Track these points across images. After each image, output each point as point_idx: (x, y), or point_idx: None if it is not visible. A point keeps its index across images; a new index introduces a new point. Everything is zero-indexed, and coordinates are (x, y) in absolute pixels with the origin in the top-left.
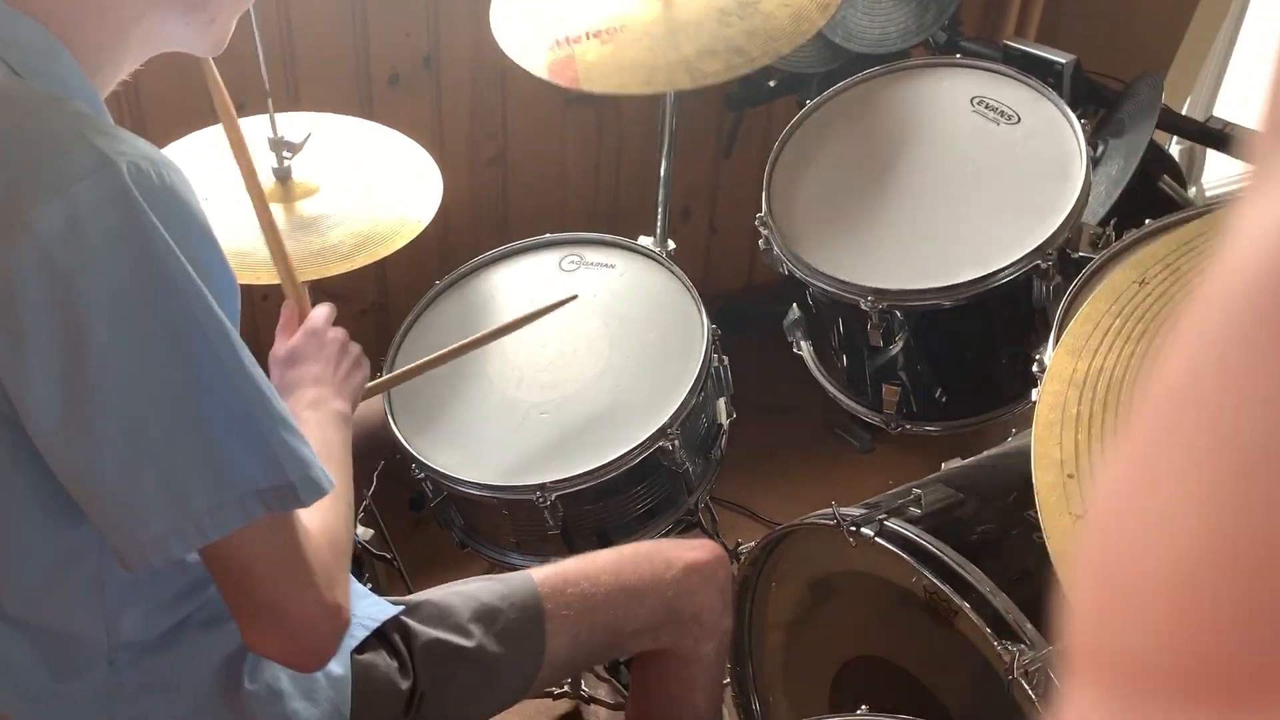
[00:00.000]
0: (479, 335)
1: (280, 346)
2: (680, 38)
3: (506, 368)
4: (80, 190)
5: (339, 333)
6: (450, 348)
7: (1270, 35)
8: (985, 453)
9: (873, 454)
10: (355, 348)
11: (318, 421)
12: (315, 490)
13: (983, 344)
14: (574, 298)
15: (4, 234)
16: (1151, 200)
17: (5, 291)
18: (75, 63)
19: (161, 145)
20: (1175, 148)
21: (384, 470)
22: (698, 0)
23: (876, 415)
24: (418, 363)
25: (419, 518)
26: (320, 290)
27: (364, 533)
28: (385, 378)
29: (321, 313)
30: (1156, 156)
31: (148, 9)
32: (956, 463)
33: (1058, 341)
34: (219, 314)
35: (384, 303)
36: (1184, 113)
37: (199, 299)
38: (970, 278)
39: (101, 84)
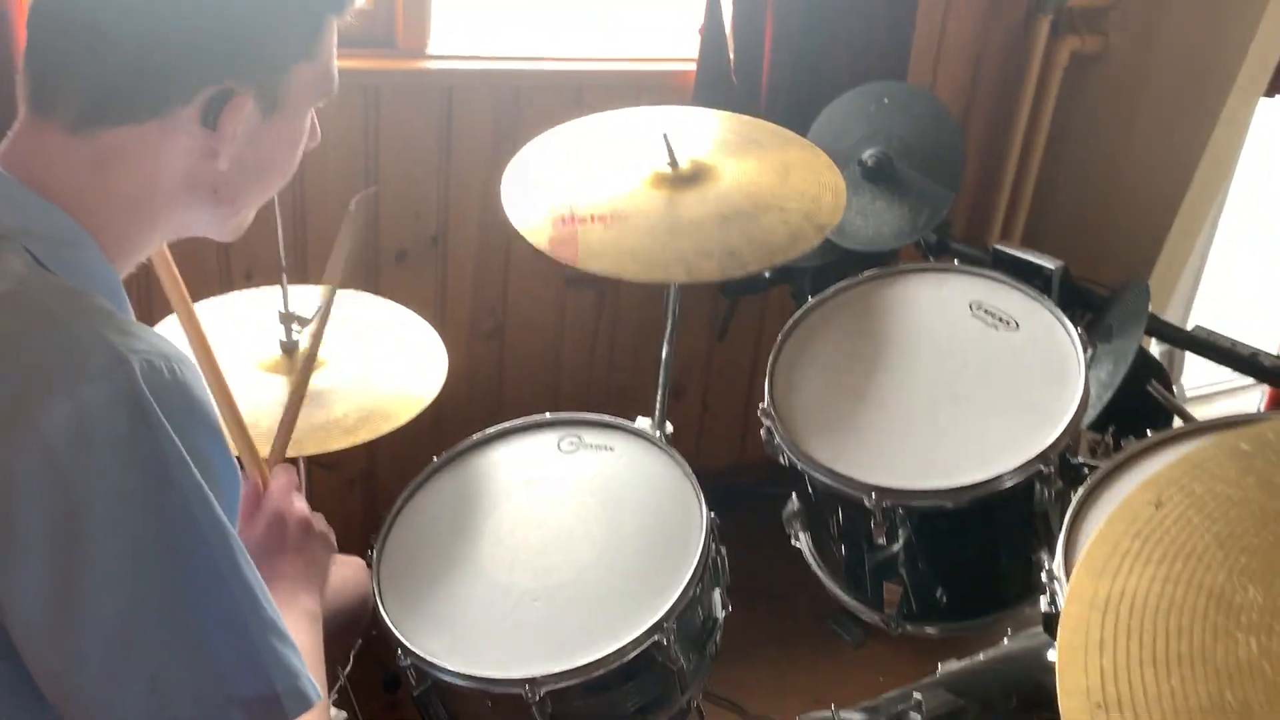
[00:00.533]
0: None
1: (245, 535)
2: (679, 234)
3: (499, 550)
4: (90, 388)
5: (301, 512)
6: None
7: (1241, 246)
8: (982, 654)
9: (864, 648)
10: (320, 525)
11: (290, 626)
12: (302, 702)
13: (985, 545)
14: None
15: (8, 429)
16: (1142, 404)
17: (5, 487)
18: (99, 251)
19: (166, 314)
20: (1155, 349)
21: (361, 650)
22: (700, 203)
23: (877, 614)
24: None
25: (394, 699)
26: (312, 460)
27: (336, 715)
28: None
29: (280, 485)
30: (1143, 360)
31: (177, 203)
32: (954, 664)
33: (1067, 553)
34: (219, 515)
35: (373, 472)
36: (1165, 318)
37: (201, 501)
38: (974, 481)
39: (123, 267)
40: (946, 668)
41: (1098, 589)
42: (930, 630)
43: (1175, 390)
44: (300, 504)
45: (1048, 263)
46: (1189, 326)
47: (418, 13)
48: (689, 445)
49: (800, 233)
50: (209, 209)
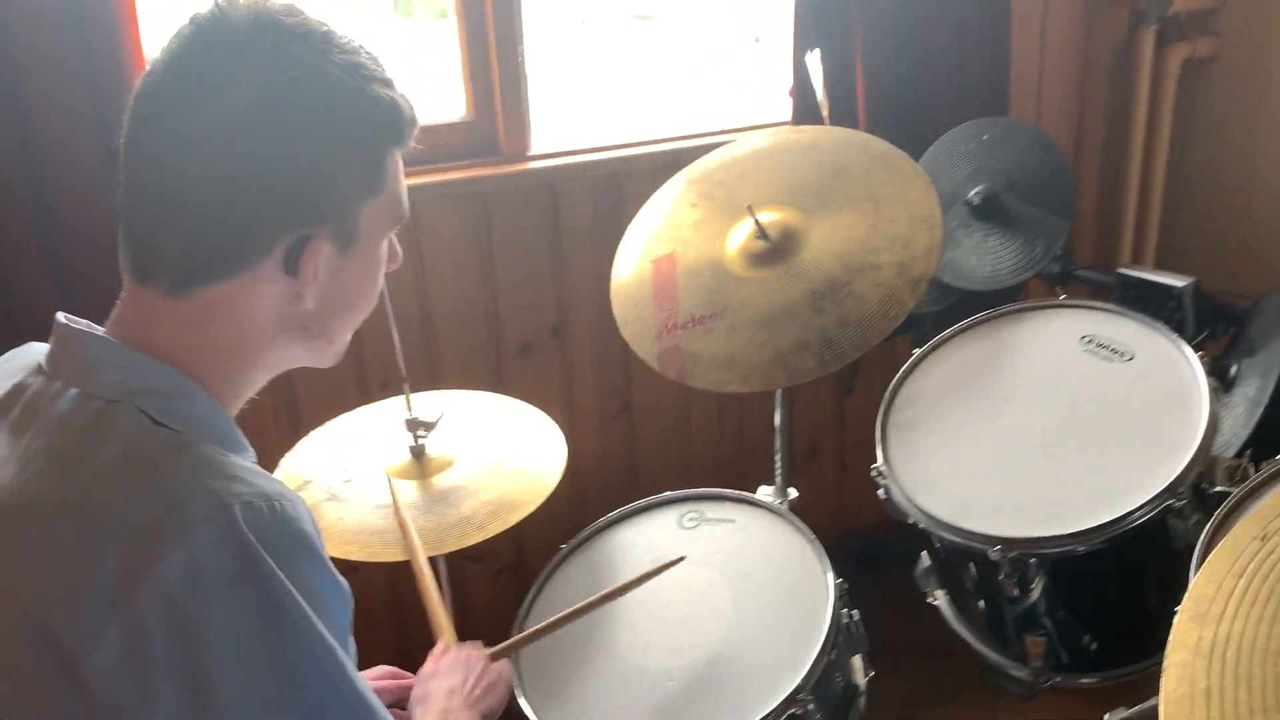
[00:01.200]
0: (582, 604)
1: (428, 665)
2: (776, 327)
3: (632, 634)
4: (197, 536)
5: (483, 657)
6: (556, 616)
7: None
8: (1152, 701)
9: (1035, 701)
10: (495, 673)
11: None
12: None
13: (1126, 587)
14: (681, 559)
15: (134, 585)
16: None
17: (135, 639)
18: (208, 397)
19: (313, 428)
20: None
21: None
22: (793, 279)
23: (1023, 668)
24: (531, 630)
25: None
26: (460, 552)
27: None
28: (503, 644)
29: (473, 644)
30: None
31: (273, 343)
32: (1122, 713)
33: None
34: (329, 640)
35: (520, 561)
36: None
37: (310, 628)
38: (1101, 521)
39: (234, 406)
40: (1114, 717)
41: (1202, 634)
42: (1086, 681)
43: None
44: (482, 655)
45: (1177, 281)
46: None
47: (517, 119)
48: (829, 507)
49: (894, 294)
50: (303, 344)
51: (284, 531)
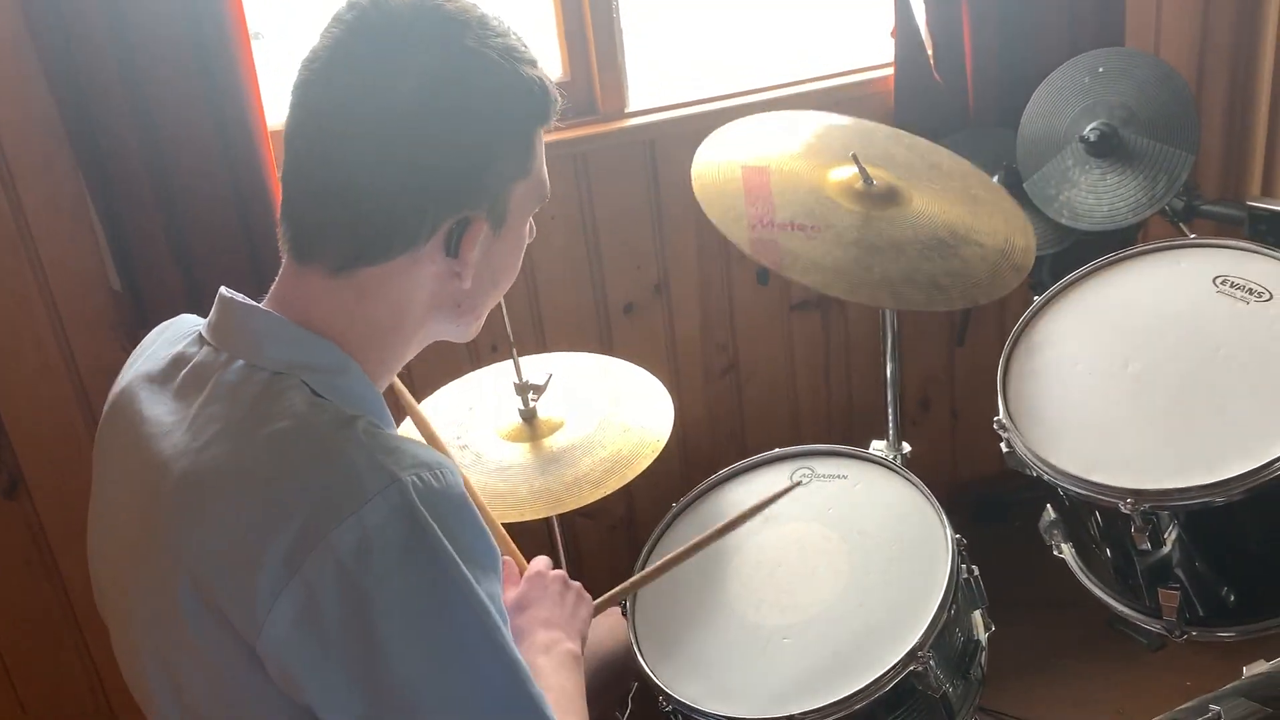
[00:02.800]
0: (697, 540)
1: (509, 594)
2: (884, 256)
3: (745, 591)
4: (370, 510)
5: (559, 573)
6: (672, 554)
7: None
8: None
9: (1163, 652)
10: (575, 585)
11: (553, 667)
12: None
13: (1267, 538)
14: (796, 485)
15: (309, 551)
16: None
17: (310, 602)
18: (363, 374)
19: (426, 394)
20: None
21: (637, 693)
22: (897, 226)
23: (1157, 622)
24: (640, 574)
25: None
26: (573, 510)
27: None
28: (609, 594)
29: (541, 560)
30: None
31: (426, 320)
32: (1261, 666)
33: None
34: (486, 602)
35: (632, 518)
36: None
37: (473, 593)
38: (1240, 471)
39: (383, 383)
40: (1252, 670)
41: None
42: (1224, 634)
43: None
44: (556, 571)
45: None
46: None
47: (614, 76)
48: (944, 459)
49: (999, 272)
50: (453, 320)
51: (447, 500)
